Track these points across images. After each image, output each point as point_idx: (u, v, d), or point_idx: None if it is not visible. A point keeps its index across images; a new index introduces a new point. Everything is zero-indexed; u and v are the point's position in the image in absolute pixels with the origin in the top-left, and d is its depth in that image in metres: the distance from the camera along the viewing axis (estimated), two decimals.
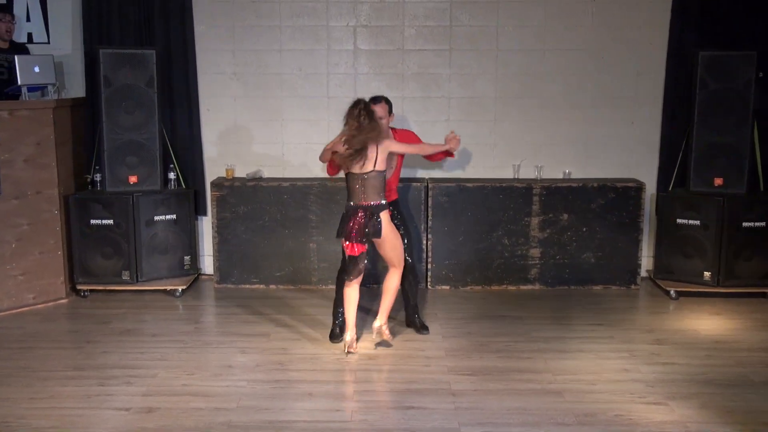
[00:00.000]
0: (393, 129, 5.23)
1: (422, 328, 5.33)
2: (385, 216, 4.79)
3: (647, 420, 4.08)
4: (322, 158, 5.01)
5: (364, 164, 4.76)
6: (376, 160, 4.76)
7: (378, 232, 4.77)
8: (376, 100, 5.10)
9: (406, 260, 5.10)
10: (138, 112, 6.11)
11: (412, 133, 5.41)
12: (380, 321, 5.03)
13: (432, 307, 5.96)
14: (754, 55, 5.94)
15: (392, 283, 5.01)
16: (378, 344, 5.04)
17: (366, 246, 4.83)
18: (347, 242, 4.83)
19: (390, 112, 5.17)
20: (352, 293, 4.97)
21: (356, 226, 4.77)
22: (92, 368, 4.74)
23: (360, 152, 4.73)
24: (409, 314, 5.42)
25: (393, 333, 5.15)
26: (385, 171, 4.85)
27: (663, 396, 4.36)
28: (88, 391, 4.43)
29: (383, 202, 4.81)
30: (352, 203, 4.84)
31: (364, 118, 4.72)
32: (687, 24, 6.28)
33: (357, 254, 4.82)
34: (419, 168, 6.46)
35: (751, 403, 4.29)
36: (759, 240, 6.07)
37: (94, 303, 6.05)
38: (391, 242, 4.87)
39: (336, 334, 5.19)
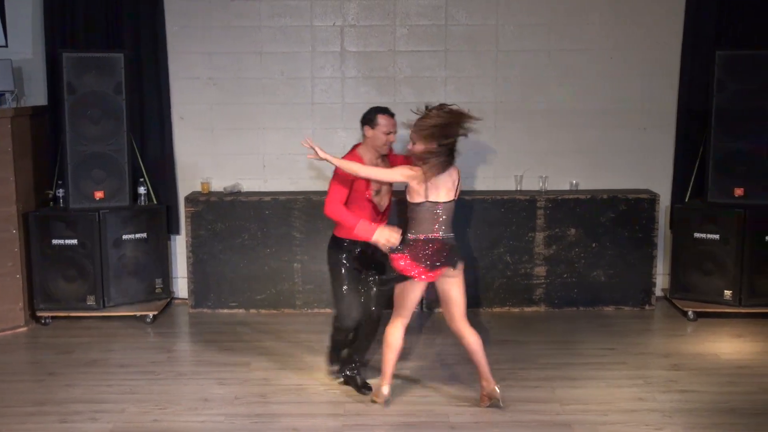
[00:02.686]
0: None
1: (363, 387, 4.87)
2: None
3: None
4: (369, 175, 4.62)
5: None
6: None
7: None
8: (384, 111, 4.73)
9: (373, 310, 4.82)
10: (105, 121, 6.10)
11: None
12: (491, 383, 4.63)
13: (429, 332, 5.94)
14: None
15: (474, 342, 4.61)
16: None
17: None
18: (431, 271, 4.46)
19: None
20: (401, 336, 4.64)
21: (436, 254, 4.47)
22: (54, 403, 4.70)
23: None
24: (356, 367, 4.97)
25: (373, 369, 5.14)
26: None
27: (681, 427, 4.35)
28: (50, 428, 4.39)
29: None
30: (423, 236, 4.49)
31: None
32: (703, 21, 6.32)
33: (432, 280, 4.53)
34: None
35: None
36: None
37: (57, 331, 6.01)
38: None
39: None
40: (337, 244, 4.80)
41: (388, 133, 4.68)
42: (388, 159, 4.86)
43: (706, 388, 4.86)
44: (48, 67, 6.37)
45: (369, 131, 4.71)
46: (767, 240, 6.07)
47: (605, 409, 4.58)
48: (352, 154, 4.73)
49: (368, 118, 4.71)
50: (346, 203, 4.64)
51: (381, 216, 4.81)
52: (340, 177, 4.63)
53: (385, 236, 4.49)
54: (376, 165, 4.70)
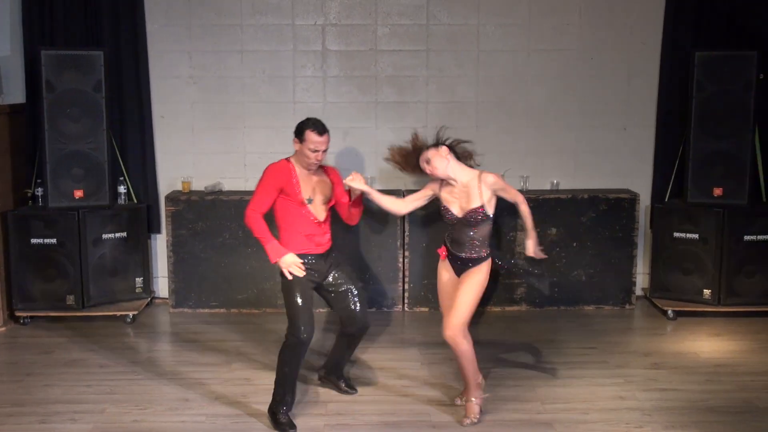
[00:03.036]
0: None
1: (349, 387, 4.86)
2: None
3: None
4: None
5: None
6: None
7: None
8: (315, 127, 4.52)
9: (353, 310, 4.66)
10: (84, 119, 6.06)
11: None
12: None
13: (409, 332, 5.95)
14: (755, 56, 6.02)
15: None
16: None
17: None
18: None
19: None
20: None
21: None
22: (33, 404, 4.67)
23: None
24: (340, 369, 4.92)
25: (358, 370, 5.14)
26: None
27: (661, 425, 4.38)
28: (29, 429, 4.36)
29: None
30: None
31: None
32: (682, 22, 6.36)
33: None
34: (395, 178, 6.45)
35: (756, 431, 4.31)
36: (762, 254, 6.15)
37: (35, 331, 5.96)
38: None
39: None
40: None
41: (315, 151, 4.46)
42: (325, 171, 4.72)
43: (686, 387, 4.90)
44: (26, 64, 6.31)
45: (296, 144, 4.54)
46: (746, 239, 6.13)
47: (586, 407, 4.61)
48: (281, 163, 4.59)
49: (298, 130, 4.52)
50: (280, 211, 4.56)
51: (321, 226, 4.59)
52: (264, 182, 4.54)
53: (288, 263, 4.42)
54: (309, 177, 4.58)
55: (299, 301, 4.42)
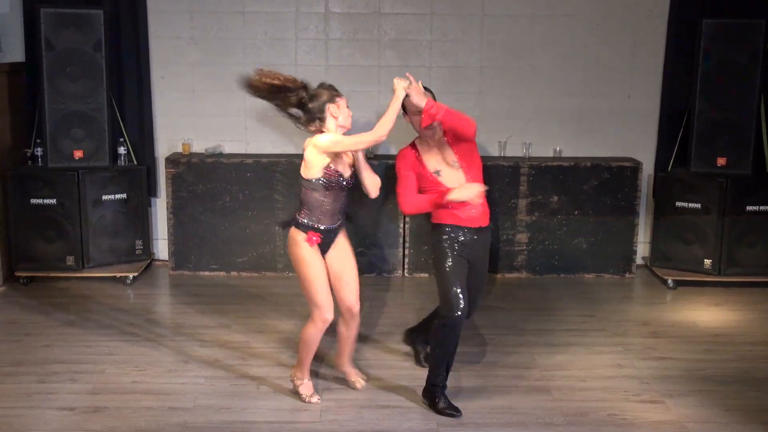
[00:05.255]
0: None
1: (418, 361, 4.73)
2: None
3: (642, 420, 4.11)
4: None
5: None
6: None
7: None
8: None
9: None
10: (84, 79, 6.00)
11: None
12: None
13: (409, 297, 5.95)
14: (763, 24, 5.94)
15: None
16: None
17: None
18: None
19: None
20: None
21: None
22: (32, 363, 4.68)
23: None
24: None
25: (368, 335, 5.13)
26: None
27: (659, 393, 4.40)
28: (28, 388, 4.37)
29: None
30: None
31: None
32: None
33: None
34: (392, 146, 6.41)
35: (753, 400, 4.34)
36: (764, 225, 6.14)
37: (35, 291, 5.96)
38: None
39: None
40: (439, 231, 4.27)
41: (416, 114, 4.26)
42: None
43: (684, 356, 4.91)
44: (25, 22, 6.23)
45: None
46: (748, 210, 6.11)
47: (584, 375, 4.62)
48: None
49: None
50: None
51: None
52: (401, 167, 4.30)
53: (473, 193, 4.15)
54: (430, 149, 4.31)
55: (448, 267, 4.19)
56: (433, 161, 4.29)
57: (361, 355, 4.84)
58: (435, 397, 4.18)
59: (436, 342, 4.20)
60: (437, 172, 4.27)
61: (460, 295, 4.10)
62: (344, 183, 4.14)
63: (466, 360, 4.75)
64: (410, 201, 4.28)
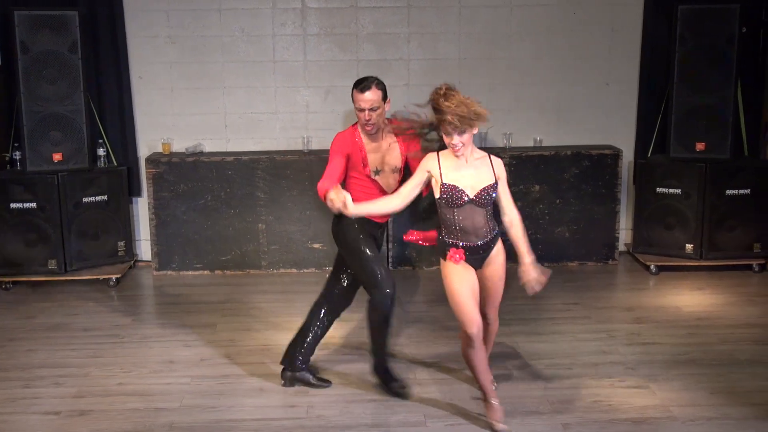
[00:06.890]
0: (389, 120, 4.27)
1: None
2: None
3: (628, 405, 4.13)
4: None
5: None
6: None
7: None
8: (355, 85, 4.13)
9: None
10: (61, 81, 5.96)
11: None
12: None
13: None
14: (737, 8, 5.99)
15: None
16: None
17: None
18: None
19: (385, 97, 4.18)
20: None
21: None
22: (16, 368, 4.65)
23: None
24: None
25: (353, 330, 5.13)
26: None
27: (644, 378, 4.42)
28: (12, 394, 4.34)
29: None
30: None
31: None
32: None
33: None
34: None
35: (736, 382, 4.37)
36: (743, 208, 6.18)
37: (18, 296, 5.93)
38: None
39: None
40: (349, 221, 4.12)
41: (361, 110, 4.09)
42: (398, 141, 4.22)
43: (668, 340, 4.94)
44: None
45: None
46: (728, 194, 6.15)
47: (570, 362, 4.64)
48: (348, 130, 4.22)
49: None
50: (346, 185, 4.16)
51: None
52: (333, 153, 4.12)
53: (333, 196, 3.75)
54: (378, 147, 4.18)
55: (369, 255, 4.13)
56: (376, 158, 4.19)
57: (344, 350, 4.84)
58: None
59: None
60: (376, 171, 4.19)
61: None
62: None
63: (450, 351, 4.76)
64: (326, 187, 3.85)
